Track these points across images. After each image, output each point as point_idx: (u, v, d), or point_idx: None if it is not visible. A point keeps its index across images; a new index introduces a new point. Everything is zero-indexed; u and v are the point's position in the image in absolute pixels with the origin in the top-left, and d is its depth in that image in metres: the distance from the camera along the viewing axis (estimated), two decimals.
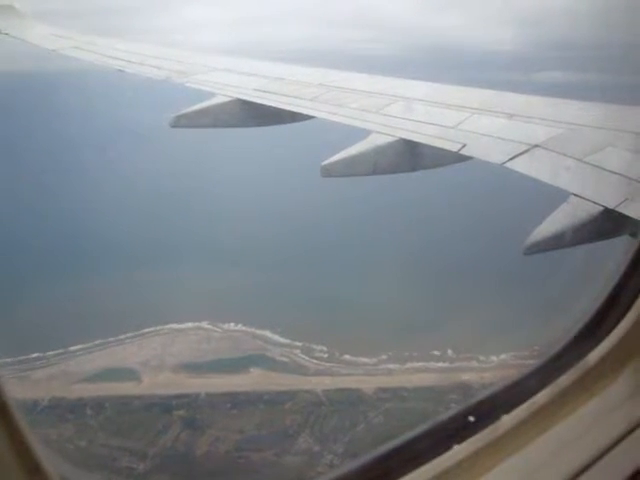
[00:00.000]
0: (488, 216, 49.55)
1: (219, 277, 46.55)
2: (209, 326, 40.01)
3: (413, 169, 8.04)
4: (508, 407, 2.07)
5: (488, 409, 2.08)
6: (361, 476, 1.90)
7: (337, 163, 7.74)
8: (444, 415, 2.09)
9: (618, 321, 2.37)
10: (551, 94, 8.75)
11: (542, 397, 2.12)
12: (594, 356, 2.28)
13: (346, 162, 7.73)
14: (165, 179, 67.12)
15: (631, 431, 2.07)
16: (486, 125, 7.42)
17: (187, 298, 43.13)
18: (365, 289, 45.61)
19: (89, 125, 66.53)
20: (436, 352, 36.00)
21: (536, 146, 6.53)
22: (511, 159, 6.41)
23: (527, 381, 2.24)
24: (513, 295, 36.78)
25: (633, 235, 5.35)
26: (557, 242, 5.68)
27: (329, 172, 7.78)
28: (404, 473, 1.83)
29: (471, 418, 2.02)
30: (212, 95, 9.85)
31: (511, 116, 7.47)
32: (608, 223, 5.47)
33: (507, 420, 2.03)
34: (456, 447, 1.91)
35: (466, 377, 33.47)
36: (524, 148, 6.53)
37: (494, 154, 6.70)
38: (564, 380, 2.19)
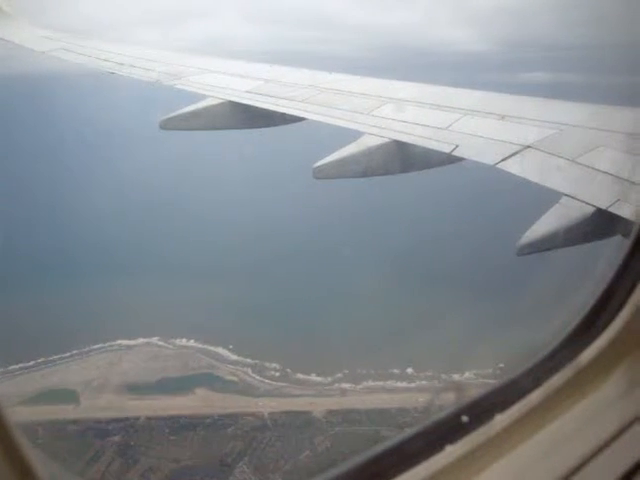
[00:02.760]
0: (478, 218, 49.12)
1: (177, 289, 44.51)
2: (160, 342, 38.31)
3: (405, 170, 8.04)
4: (502, 407, 2.06)
5: (481, 409, 2.07)
6: (353, 477, 1.88)
7: (329, 165, 7.73)
8: (437, 415, 2.08)
9: (610, 321, 2.37)
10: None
11: (535, 397, 2.11)
12: (586, 356, 2.28)
13: (338, 164, 7.72)
14: (138, 185, 65.10)
15: (623, 430, 2.07)
16: (478, 126, 7.43)
17: (141, 311, 41.07)
18: (330, 301, 43.56)
19: (78, 128, 65.79)
20: (395, 370, 34.14)
21: (528, 147, 6.53)
22: (503, 160, 6.42)
23: (520, 381, 2.23)
24: (495, 301, 34.73)
25: (625, 235, 5.37)
26: (550, 243, 5.69)
27: (321, 174, 7.78)
28: (397, 474, 1.82)
29: (464, 418, 2.01)
30: (203, 97, 9.83)
31: (502, 117, 7.48)
32: (601, 223, 5.48)
33: (500, 420, 2.02)
34: (449, 447, 1.90)
35: (423, 399, 31.16)
36: (516, 149, 6.54)
37: (486, 155, 6.71)
38: (557, 380, 2.18)
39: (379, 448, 1.90)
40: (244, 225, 56.61)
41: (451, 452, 1.89)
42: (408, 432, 1.97)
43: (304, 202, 53.84)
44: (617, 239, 5.64)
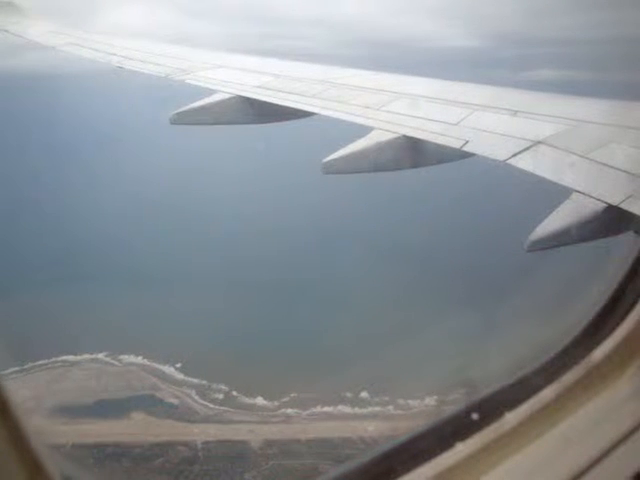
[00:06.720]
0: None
1: (130, 299, 42.06)
2: (106, 358, 35.69)
3: (415, 166, 8.01)
4: (511, 405, 2.05)
5: (491, 407, 2.06)
6: (364, 474, 1.88)
7: (338, 160, 7.70)
8: (447, 413, 2.07)
9: (623, 318, 2.35)
10: None
11: (546, 395, 2.10)
12: (599, 353, 2.26)
13: (348, 159, 7.69)
14: (127, 186, 62.75)
15: (636, 429, 2.05)
16: (489, 122, 7.39)
17: (91, 324, 38.15)
18: (288, 316, 41.00)
19: (88, 123, 65.33)
20: (348, 394, 31.46)
21: (539, 143, 6.50)
22: (514, 156, 6.38)
23: (531, 378, 2.22)
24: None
25: (637, 232, 5.33)
26: (560, 239, 5.66)
27: (330, 169, 7.75)
28: (407, 471, 1.81)
29: (474, 416, 2.00)
30: (213, 92, 9.83)
31: (514, 113, 7.45)
32: (612, 220, 5.44)
33: (510, 418, 2.01)
34: (459, 445, 1.89)
35: (373, 427, 28.73)
36: (527, 145, 6.51)
37: (497, 151, 6.67)
38: (568, 377, 2.17)
39: (389, 445, 1.90)
40: (234, 226, 54.54)
41: (461, 450, 1.89)
42: (418, 429, 1.97)
43: (309, 199, 52.55)
44: (629, 236, 5.60)
